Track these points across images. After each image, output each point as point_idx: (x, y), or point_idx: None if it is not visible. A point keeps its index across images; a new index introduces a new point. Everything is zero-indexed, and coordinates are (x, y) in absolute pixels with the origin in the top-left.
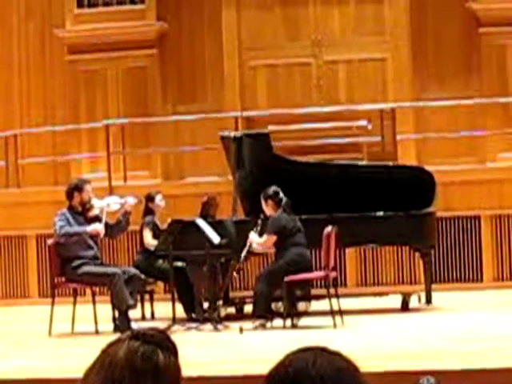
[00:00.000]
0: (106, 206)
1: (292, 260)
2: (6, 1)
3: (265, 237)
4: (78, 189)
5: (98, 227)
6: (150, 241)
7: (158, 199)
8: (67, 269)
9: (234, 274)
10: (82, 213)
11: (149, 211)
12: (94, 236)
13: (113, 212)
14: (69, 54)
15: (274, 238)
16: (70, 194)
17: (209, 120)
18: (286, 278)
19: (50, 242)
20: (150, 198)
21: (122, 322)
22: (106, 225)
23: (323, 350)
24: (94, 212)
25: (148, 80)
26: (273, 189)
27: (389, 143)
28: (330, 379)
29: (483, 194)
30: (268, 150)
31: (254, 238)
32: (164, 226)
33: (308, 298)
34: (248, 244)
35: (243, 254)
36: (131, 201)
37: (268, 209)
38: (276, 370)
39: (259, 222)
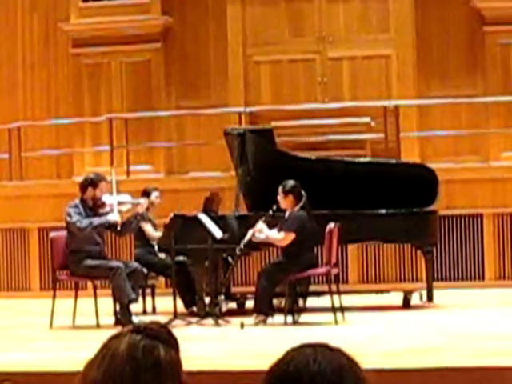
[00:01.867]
0: (117, 203)
1: (302, 263)
2: None
3: (282, 233)
4: (92, 184)
5: (116, 217)
6: (153, 233)
7: (154, 196)
8: (70, 262)
9: (229, 258)
10: (92, 208)
11: None
12: (112, 225)
13: (122, 211)
14: (73, 47)
15: (292, 235)
16: (84, 188)
17: (212, 115)
18: (290, 276)
19: (52, 234)
20: (145, 194)
21: (123, 316)
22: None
23: (324, 346)
24: (105, 210)
25: (152, 74)
26: (293, 183)
27: (392, 140)
28: (330, 376)
29: (486, 193)
30: (271, 146)
31: (266, 230)
32: (163, 222)
33: (305, 294)
34: (251, 232)
35: (244, 240)
36: (145, 203)
37: (286, 202)
38: (276, 366)
39: (270, 212)
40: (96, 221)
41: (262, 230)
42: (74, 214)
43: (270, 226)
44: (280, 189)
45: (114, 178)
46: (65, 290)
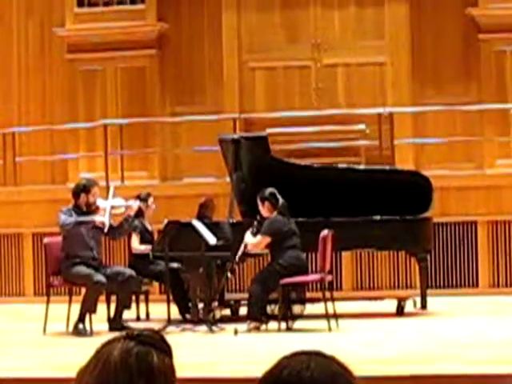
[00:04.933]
0: (110, 208)
1: (288, 263)
2: None
3: (258, 237)
4: (85, 190)
5: (103, 218)
6: (137, 246)
7: (151, 202)
8: (63, 267)
9: (228, 274)
10: (86, 213)
11: (137, 213)
12: (98, 226)
13: (117, 214)
14: (68, 53)
15: (267, 239)
16: (76, 194)
17: (207, 121)
18: (282, 281)
19: (46, 240)
20: (141, 200)
21: (76, 325)
22: (110, 226)
23: (317, 354)
24: (100, 214)
25: (147, 80)
26: (269, 190)
27: (387, 147)
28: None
29: (480, 200)
30: (266, 153)
31: (248, 238)
32: (157, 228)
33: (303, 300)
34: (243, 245)
35: (238, 254)
36: (135, 205)
37: (264, 210)
38: (270, 373)
39: (255, 223)
40: (80, 218)
41: (246, 240)
42: (62, 215)
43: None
44: (258, 198)
45: (112, 190)
46: (58, 296)
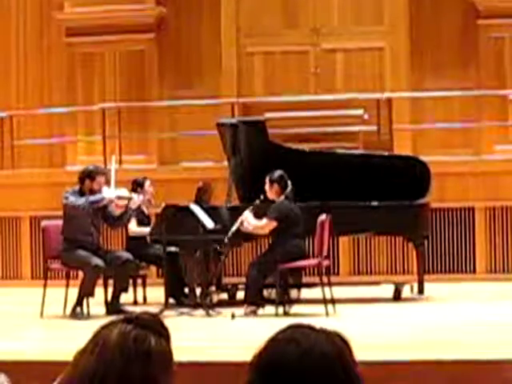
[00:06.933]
0: (115, 198)
1: (288, 252)
2: None
3: (265, 220)
4: (90, 177)
5: (112, 195)
6: (133, 228)
7: (147, 185)
8: (62, 249)
9: (222, 257)
10: None
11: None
12: (102, 207)
13: (118, 205)
14: (67, 36)
15: (273, 223)
16: (81, 179)
17: (205, 106)
18: (280, 266)
19: (44, 223)
20: (138, 185)
21: (73, 309)
22: (111, 216)
23: (310, 328)
24: (103, 203)
25: (145, 64)
26: (279, 173)
27: (385, 133)
28: (313, 365)
29: (478, 186)
30: (264, 137)
31: (250, 219)
32: (155, 211)
33: (299, 285)
34: (239, 221)
35: (231, 230)
36: (138, 200)
37: (272, 192)
38: (260, 354)
39: (257, 201)
40: (91, 197)
41: (247, 220)
42: (71, 197)
43: (260, 215)
44: (267, 178)
45: (113, 168)
46: (56, 279)
